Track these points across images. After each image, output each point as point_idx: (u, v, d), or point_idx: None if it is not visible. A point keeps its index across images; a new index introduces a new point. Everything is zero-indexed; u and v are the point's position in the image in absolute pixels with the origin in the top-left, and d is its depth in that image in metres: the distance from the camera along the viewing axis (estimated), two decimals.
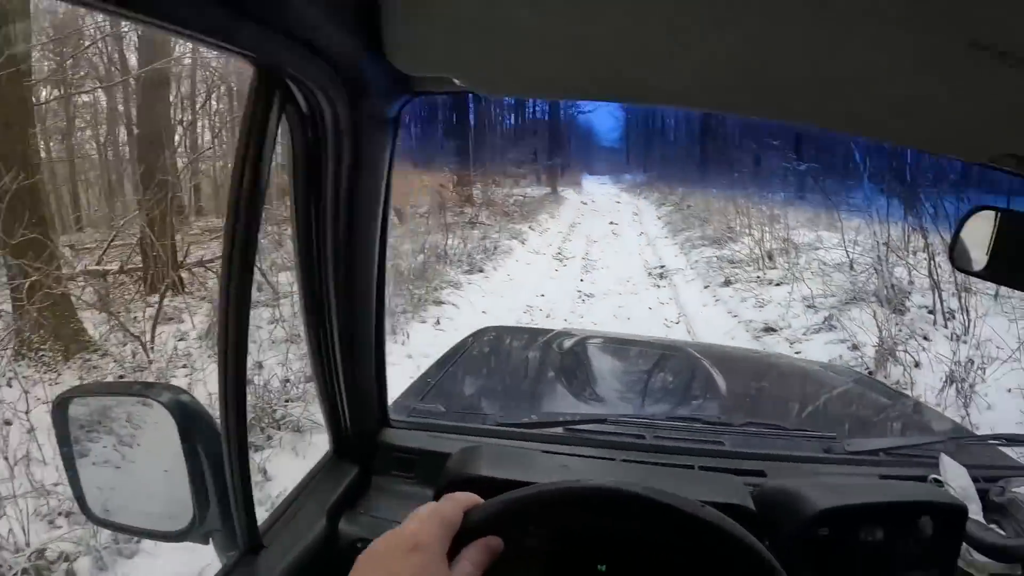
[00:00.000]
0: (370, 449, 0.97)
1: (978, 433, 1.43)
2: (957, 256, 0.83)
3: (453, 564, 0.46)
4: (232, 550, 0.71)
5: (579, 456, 1.00)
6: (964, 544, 0.90)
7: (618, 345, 2.00)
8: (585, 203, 16.74)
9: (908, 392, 3.42)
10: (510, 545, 0.49)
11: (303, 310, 0.80)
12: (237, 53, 0.52)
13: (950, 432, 1.31)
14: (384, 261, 0.83)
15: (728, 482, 0.86)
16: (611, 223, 12.41)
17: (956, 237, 0.83)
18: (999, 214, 0.80)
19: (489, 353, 1.88)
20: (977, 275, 0.84)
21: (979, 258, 0.82)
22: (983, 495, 0.99)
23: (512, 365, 1.79)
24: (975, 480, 1.01)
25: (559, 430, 1.10)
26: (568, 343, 1.77)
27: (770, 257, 7.41)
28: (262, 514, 0.76)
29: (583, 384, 1.57)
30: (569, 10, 0.53)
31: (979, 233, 0.81)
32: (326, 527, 0.81)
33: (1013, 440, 1.26)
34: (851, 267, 6.04)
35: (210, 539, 0.72)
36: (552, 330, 1.89)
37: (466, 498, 0.50)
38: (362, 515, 0.86)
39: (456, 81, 0.68)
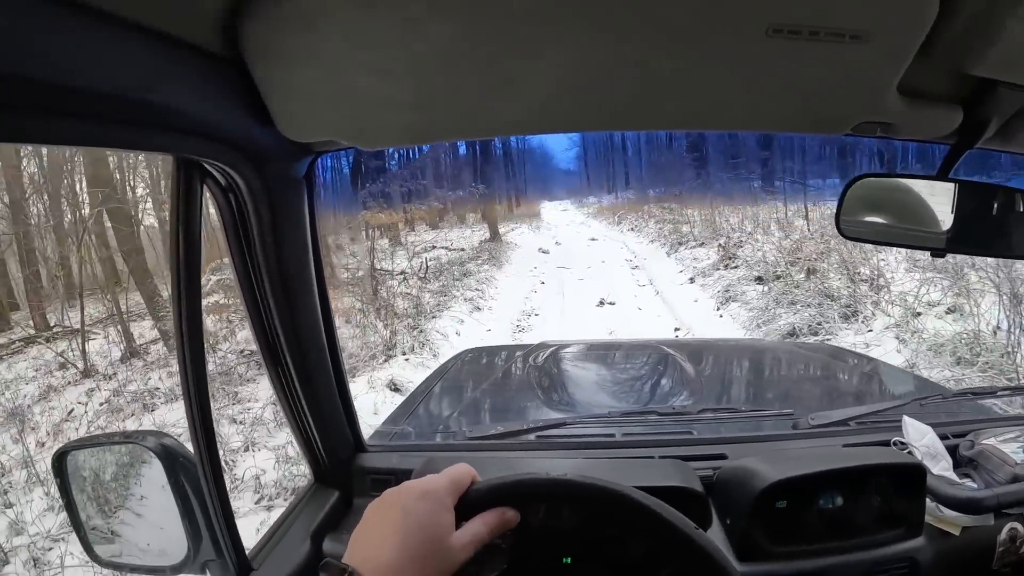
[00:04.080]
0: (347, 474, 1.63)
1: (953, 389, 2.23)
2: (844, 225, 1.37)
3: (467, 523, 0.84)
4: None
5: (546, 460, 1.65)
6: (933, 501, 1.52)
7: (594, 350, 2.99)
8: (546, 251, 16.48)
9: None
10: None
11: (262, 356, 1.43)
12: (155, 152, 1.14)
13: (915, 393, 2.11)
14: (327, 304, 1.48)
15: (677, 468, 1.48)
16: (603, 303, 11.34)
17: (840, 207, 1.36)
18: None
19: (468, 373, 2.84)
20: (866, 241, 1.47)
21: (866, 225, 1.40)
22: (953, 450, 1.67)
23: (488, 381, 2.68)
24: (944, 437, 1.69)
25: (531, 437, 1.79)
26: (544, 355, 2.71)
27: None
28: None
29: (556, 391, 2.41)
30: (402, 73, 0.99)
31: (862, 201, 1.38)
32: (311, 549, 1.43)
33: (980, 393, 2.07)
34: None
35: (206, 569, 1.29)
36: (529, 344, 2.87)
37: (471, 471, 0.89)
38: (344, 535, 1.46)
39: (342, 142, 1.25)
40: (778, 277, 10.70)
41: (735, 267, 12.22)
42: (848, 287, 9.45)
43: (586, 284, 12.66)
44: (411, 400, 2.50)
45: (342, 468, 1.65)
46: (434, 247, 13.83)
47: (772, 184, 18.81)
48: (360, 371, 8.20)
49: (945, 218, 1.31)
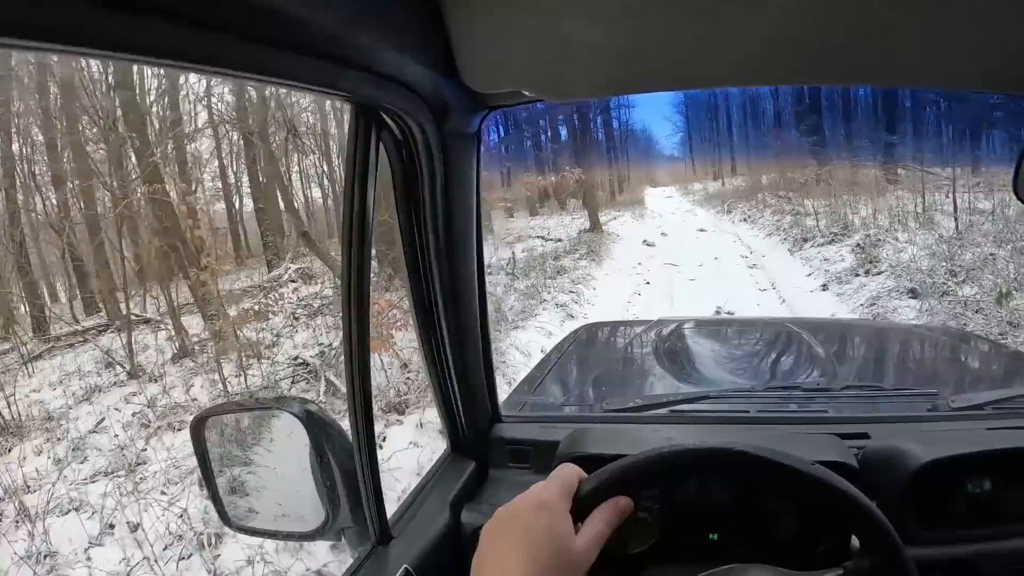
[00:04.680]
0: (484, 444, 1.82)
1: None
2: (1022, 189, 1.47)
3: (585, 522, 0.95)
4: (363, 544, 1.46)
5: (682, 433, 1.79)
6: None
7: (716, 326, 3.36)
8: (651, 244, 16.33)
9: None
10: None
11: (415, 318, 1.61)
12: (337, 96, 1.23)
13: None
14: (483, 265, 1.65)
15: (830, 442, 1.61)
16: (719, 314, 9.99)
17: (1019, 167, 1.46)
18: None
19: (590, 347, 3.22)
20: None
21: None
22: None
23: (613, 355, 3.06)
24: None
25: (664, 411, 1.98)
26: (666, 330, 3.02)
27: None
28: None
29: (684, 366, 2.65)
30: (615, 17, 1.07)
31: None
32: (449, 518, 1.60)
33: None
34: None
35: (342, 535, 1.47)
36: (649, 320, 3.21)
37: (578, 469, 1.02)
38: (482, 505, 1.66)
39: (525, 92, 1.39)
40: (944, 293, 9.67)
41: (878, 273, 11.39)
42: None
43: (698, 287, 12.28)
44: (536, 372, 2.79)
45: (480, 437, 1.85)
46: (529, 236, 13.79)
47: (897, 173, 18.60)
48: (410, 407, 7.48)
49: None
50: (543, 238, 13.94)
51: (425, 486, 1.73)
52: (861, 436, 1.76)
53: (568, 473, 1.00)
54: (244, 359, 9.06)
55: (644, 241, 16.89)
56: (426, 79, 1.26)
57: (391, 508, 1.57)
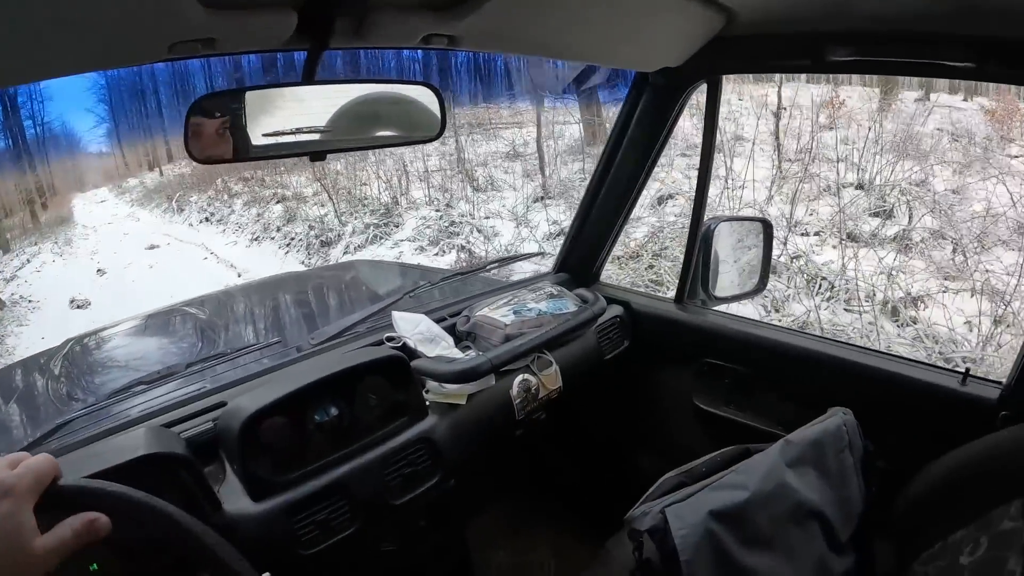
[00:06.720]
0: None
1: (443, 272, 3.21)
2: (196, 150, 1.60)
3: (56, 525, 1.01)
4: None
5: None
6: (435, 381, 2.17)
7: (115, 331, 3.66)
8: (83, 304, 13.20)
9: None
10: None
11: None
12: None
13: (406, 287, 2.85)
14: None
15: (157, 436, 1.80)
16: None
17: (188, 131, 1.57)
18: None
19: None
20: (224, 161, 1.67)
21: (224, 142, 1.62)
22: (452, 329, 2.36)
23: (12, 400, 3.09)
24: (441, 319, 2.39)
25: (52, 444, 2.06)
26: (60, 358, 3.24)
27: None
28: None
29: (78, 388, 2.92)
30: None
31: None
32: None
33: (467, 272, 3.04)
34: None
35: None
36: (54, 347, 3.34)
37: (56, 463, 1.07)
38: None
39: None
40: None
41: None
42: None
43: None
44: None
45: None
46: None
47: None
48: None
49: (317, 121, 1.69)
50: None
51: None
52: (219, 406, 2.04)
53: (43, 465, 1.05)
54: None
55: (73, 301, 13.57)
56: None
57: None
